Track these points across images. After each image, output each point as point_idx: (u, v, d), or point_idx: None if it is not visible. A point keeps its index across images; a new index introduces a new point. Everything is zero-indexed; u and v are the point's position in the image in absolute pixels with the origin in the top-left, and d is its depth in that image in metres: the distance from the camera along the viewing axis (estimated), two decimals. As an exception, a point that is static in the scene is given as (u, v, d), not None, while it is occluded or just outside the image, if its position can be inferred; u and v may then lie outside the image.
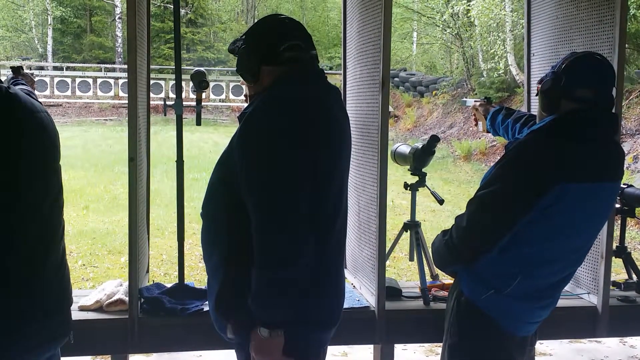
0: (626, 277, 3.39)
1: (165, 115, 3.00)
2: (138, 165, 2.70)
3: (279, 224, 1.85)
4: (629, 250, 3.37)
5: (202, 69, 2.86)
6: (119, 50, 28.42)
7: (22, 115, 1.90)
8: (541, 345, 4.67)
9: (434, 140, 3.03)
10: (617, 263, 3.41)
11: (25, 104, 1.92)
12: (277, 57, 2.03)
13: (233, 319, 2.03)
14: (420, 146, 3.08)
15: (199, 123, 2.96)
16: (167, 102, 2.86)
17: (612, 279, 3.12)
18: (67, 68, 26.25)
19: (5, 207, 1.85)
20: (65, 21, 29.72)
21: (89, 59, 28.48)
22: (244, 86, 2.21)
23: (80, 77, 24.95)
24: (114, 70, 26.55)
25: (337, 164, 2.04)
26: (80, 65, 27.10)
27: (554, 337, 3.49)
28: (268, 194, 1.87)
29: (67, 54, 29.28)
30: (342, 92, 3.51)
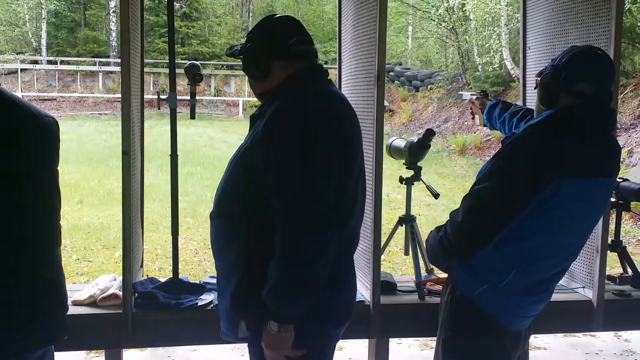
0: (621, 271, 3.40)
1: (159, 108, 2.98)
2: (132, 159, 2.69)
3: (309, 222, 1.86)
4: (624, 244, 3.37)
5: (196, 62, 2.84)
6: (113, 44, 28.34)
7: (23, 118, 1.91)
8: (536, 339, 4.68)
9: (430, 134, 3.02)
10: (612, 257, 3.41)
11: (26, 108, 1.93)
12: (288, 51, 2.05)
13: (249, 316, 2.02)
14: (416, 140, 3.07)
15: (192, 117, 2.95)
16: (161, 96, 2.85)
17: (607, 273, 3.12)
18: (62, 62, 26.17)
19: (6, 209, 1.86)
20: (59, 15, 29.59)
21: (84, 53, 28.35)
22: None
23: (75, 71, 24.94)
24: (108, 64, 26.48)
25: (357, 159, 2.06)
26: (75, 59, 27.02)
27: (549, 331, 3.48)
28: (298, 192, 1.87)
29: (62, 48, 29.15)
30: (337, 85, 3.50)
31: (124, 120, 2.61)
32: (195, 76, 2.77)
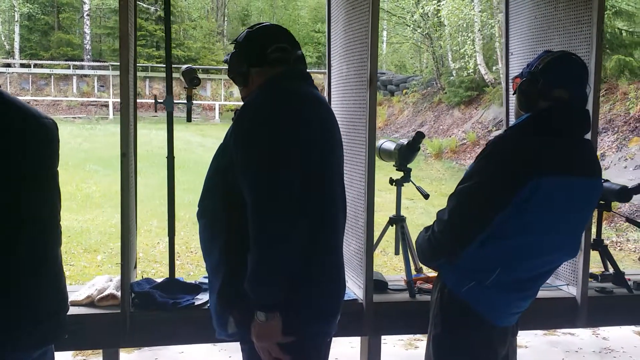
0: (602, 269, 3.49)
1: (156, 111, 3.03)
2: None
3: (270, 204, 1.93)
4: (605, 243, 3.47)
5: (192, 66, 2.89)
6: (87, 48, 28.10)
7: (23, 120, 1.94)
8: (517, 337, 4.79)
9: (420, 136, 3.09)
10: (593, 255, 3.50)
11: (26, 110, 1.96)
12: (265, 58, 2.17)
13: (236, 312, 2.07)
14: (406, 142, 3.14)
15: (189, 120, 3.00)
16: (158, 99, 2.88)
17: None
18: (35, 65, 25.86)
19: (8, 209, 1.88)
20: (32, 18, 29.25)
21: (57, 56, 28.05)
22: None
23: (48, 74, 24.65)
24: (82, 67, 26.23)
25: (330, 155, 2.13)
26: (48, 62, 26.71)
27: (534, 328, 3.58)
28: (260, 176, 1.95)
29: (35, 51, 28.83)
30: (326, 89, 3.56)
31: (123, 122, 2.64)
32: (193, 79, 2.81)
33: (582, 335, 5.09)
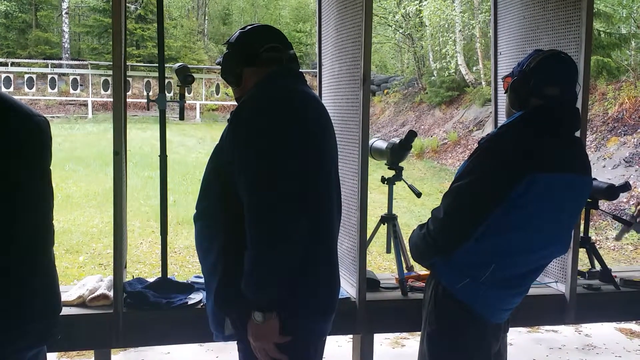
0: (589, 266, 3.54)
1: (148, 109, 3.00)
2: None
3: (268, 203, 1.92)
4: (592, 240, 3.51)
5: (185, 64, 2.87)
6: (65, 46, 27.80)
7: (18, 118, 1.93)
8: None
9: (412, 135, 3.10)
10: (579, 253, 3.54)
11: (20, 108, 1.95)
12: (258, 58, 2.18)
13: (233, 312, 2.07)
14: (398, 141, 3.15)
15: (182, 118, 2.98)
16: (151, 98, 2.87)
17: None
18: (12, 64, 25.52)
19: (4, 208, 1.87)
20: (9, 16, 28.81)
21: (35, 55, 27.68)
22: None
23: (26, 73, 24.31)
24: (60, 66, 25.92)
25: (325, 153, 2.14)
26: (26, 61, 26.36)
27: (524, 325, 3.62)
28: (257, 175, 1.94)
29: (12, 50, 28.40)
30: (317, 88, 3.56)
31: (116, 121, 2.63)
32: (186, 77, 2.80)
33: (566, 332, 5.16)
